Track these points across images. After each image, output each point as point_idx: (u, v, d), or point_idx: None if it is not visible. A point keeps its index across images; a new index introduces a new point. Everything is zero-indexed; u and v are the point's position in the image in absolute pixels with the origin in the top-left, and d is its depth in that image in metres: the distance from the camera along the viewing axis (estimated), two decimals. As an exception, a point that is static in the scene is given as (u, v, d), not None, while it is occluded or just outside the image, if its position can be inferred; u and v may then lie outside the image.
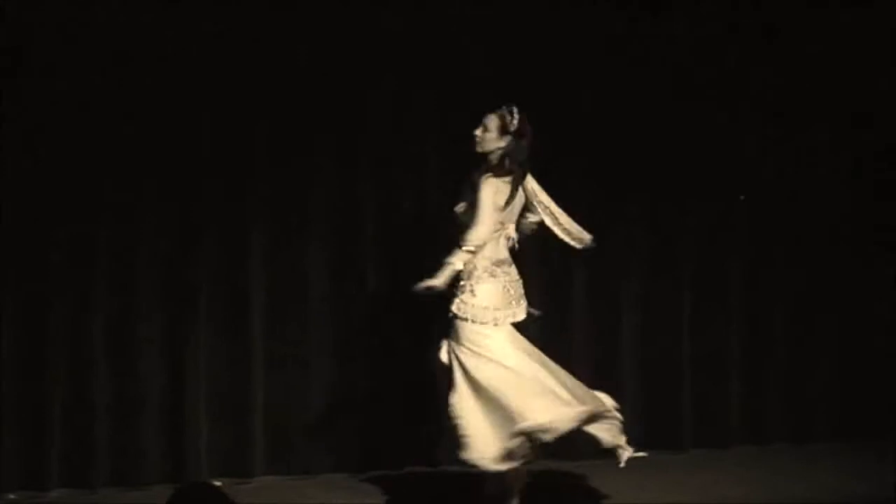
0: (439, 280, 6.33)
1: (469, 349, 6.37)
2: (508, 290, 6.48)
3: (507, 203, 6.44)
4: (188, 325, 7.34)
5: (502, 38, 7.78)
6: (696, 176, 8.17)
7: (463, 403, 6.27)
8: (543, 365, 6.43)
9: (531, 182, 6.54)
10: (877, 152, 8.40)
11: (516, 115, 6.43)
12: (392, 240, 7.67)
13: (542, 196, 6.58)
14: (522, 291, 6.55)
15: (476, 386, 6.29)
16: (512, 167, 6.43)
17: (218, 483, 6.89)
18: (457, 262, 6.34)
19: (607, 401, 6.47)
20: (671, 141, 8.09)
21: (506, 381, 6.26)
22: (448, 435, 6.31)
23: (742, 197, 8.19)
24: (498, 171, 6.43)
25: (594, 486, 6.95)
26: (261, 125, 7.46)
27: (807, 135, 8.34)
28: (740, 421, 8.25)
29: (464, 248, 6.34)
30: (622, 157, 7.98)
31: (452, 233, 6.50)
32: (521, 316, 6.52)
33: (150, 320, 7.30)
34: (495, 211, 6.40)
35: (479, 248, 6.38)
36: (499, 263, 6.47)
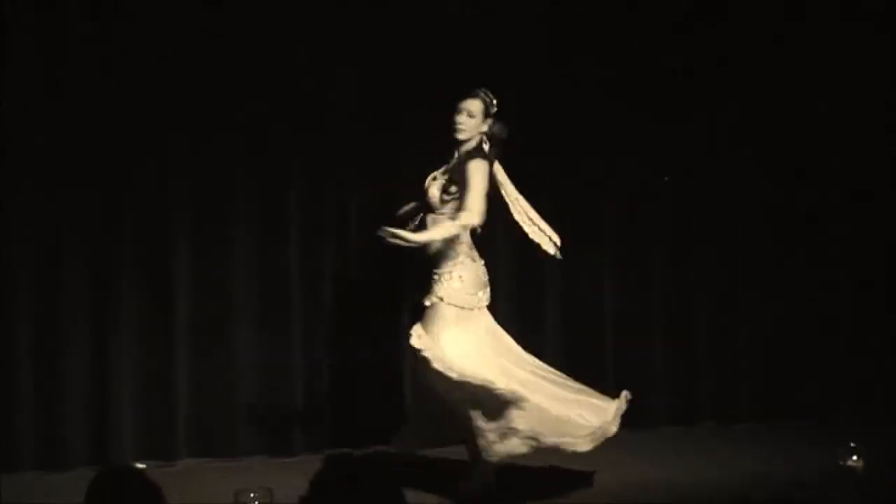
0: (421, 238, 6.28)
1: (457, 330, 6.37)
2: (484, 272, 6.52)
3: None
4: (111, 306, 7.30)
5: (431, 32, 7.79)
6: (619, 158, 8.23)
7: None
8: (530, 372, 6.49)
9: (500, 172, 6.56)
10: (798, 142, 8.50)
11: (494, 98, 6.48)
12: (318, 223, 7.65)
13: (509, 188, 6.59)
14: None
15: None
16: (495, 149, 6.46)
17: (141, 466, 6.85)
18: (448, 230, 6.29)
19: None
20: (597, 124, 8.14)
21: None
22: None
23: (666, 178, 8.24)
24: (476, 156, 6.42)
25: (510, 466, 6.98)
26: (186, 114, 7.44)
27: (728, 121, 8.40)
28: (666, 402, 8.32)
29: (462, 221, 6.29)
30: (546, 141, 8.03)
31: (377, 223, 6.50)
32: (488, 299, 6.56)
33: (73, 303, 7.25)
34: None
35: (472, 226, 6.34)
36: (472, 247, 6.49)
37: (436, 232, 6.34)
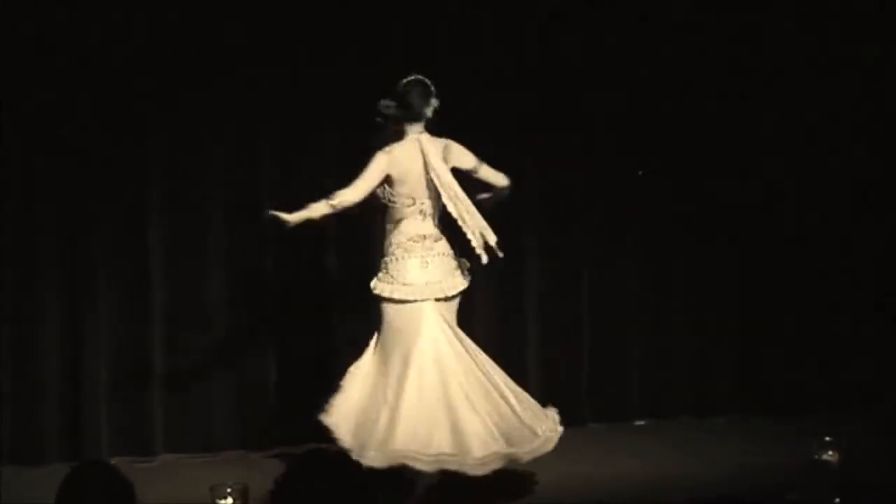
0: (290, 217, 6.28)
1: (390, 335, 6.38)
2: (428, 264, 6.43)
3: (410, 176, 6.41)
4: (87, 301, 7.29)
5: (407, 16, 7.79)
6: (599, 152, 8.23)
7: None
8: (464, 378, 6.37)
9: (430, 156, 6.43)
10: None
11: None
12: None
13: (442, 176, 6.42)
14: (455, 266, 6.50)
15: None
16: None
17: (114, 462, 6.84)
18: (312, 209, 6.30)
19: (541, 427, 6.40)
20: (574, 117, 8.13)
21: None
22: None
23: (640, 172, 8.23)
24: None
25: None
26: (160, 104, 7.44)
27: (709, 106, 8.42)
28: (640, 395, 8.31)
29: (328, 200, 6.30)
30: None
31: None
32: (450, 291, 6.47)
33: (48, 296, 7.24)
34: (374, 181, 6.36)
35: (337, 206, 6.30)
36: (418, 239, 6.43)
37: (305, 212, 6.33)
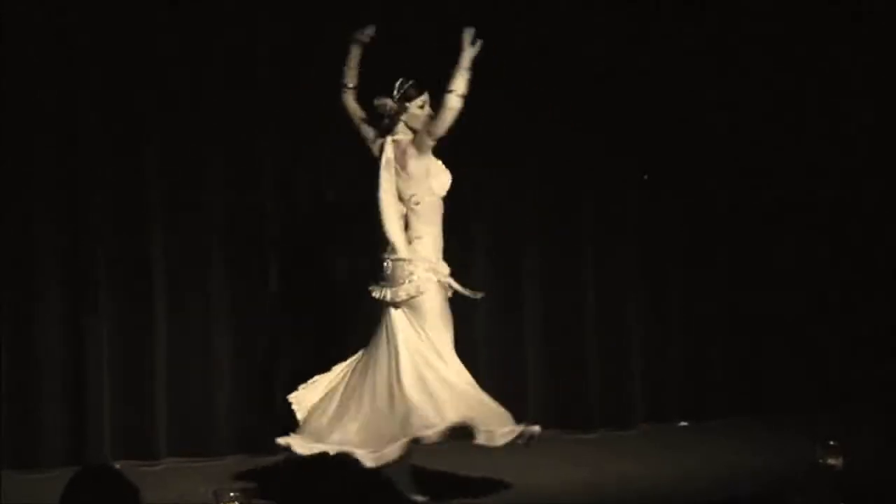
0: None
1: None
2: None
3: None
4: (90, 304, 7.29)
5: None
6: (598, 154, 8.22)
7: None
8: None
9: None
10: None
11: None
12: (292, 221, 7.67)
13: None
14: None
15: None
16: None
17: (118, 465, 6.85)
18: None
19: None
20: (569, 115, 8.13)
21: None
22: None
23: (646, 176, 8.23)
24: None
25: (487, 463, 6.96)
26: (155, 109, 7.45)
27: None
28: (641, 399, 8.30)
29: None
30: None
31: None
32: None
33: (50, 298, 7.25)
34: None
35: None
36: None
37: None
